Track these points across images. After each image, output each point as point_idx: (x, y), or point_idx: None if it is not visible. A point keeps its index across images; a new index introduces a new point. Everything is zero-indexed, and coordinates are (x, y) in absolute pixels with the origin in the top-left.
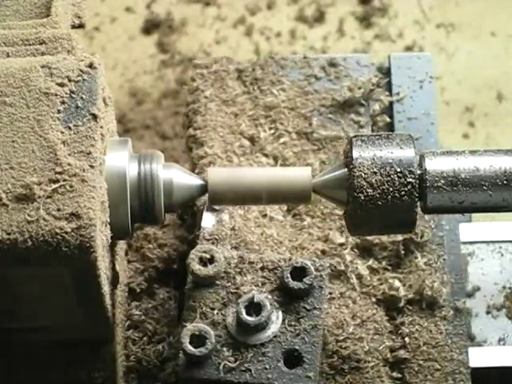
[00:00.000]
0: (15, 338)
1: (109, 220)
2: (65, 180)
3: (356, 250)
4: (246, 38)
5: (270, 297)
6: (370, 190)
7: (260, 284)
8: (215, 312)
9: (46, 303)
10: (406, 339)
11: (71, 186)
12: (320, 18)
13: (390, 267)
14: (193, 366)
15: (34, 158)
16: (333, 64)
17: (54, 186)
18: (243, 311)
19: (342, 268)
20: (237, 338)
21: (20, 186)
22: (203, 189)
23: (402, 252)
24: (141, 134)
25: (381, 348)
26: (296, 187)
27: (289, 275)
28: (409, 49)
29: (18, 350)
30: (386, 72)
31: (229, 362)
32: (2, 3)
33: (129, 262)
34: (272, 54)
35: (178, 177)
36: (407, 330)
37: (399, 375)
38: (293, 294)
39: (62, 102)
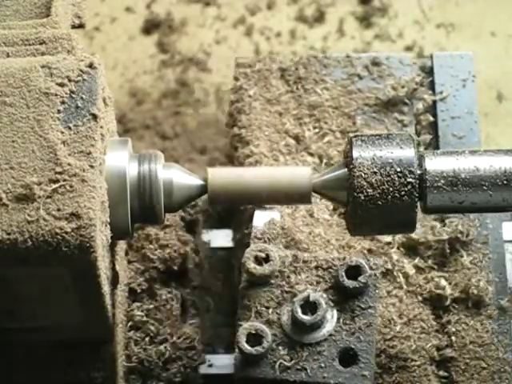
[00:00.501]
0: (15, 338)
1: (109, 220)
2: (65, 180)
3: (402, 249)
4: (246, 38)
5: (324, 295)
6: (370, 190)
7: (314, 283)
8: (270, 311)
9: (46, 303)
10: (453, 338)
11: (71, 186)
12: (320, 17)
13: (435, 266)
14: (248, 364)
15: (34, 158)
16: (376, 63)
17: (54, 185)
18: (299, 310)
19: (389, 267)
20: (292, 337)
21: (20, 186)
22: (203, 189)
23: (448, 251)
24: (141, 134)
25: (427, 347)
26: (296, 187)
27: (344, 274)
28: (409, 49)
29: (18, 349)
30: (428, 71)
31: (284, 360)
32: (2, 3)
33: (130, 262)
34: (315, 53)
35: (178, 177)
36: (453, 329)
37: (446, 374)
38: (347, 293)
39: (62, 102)
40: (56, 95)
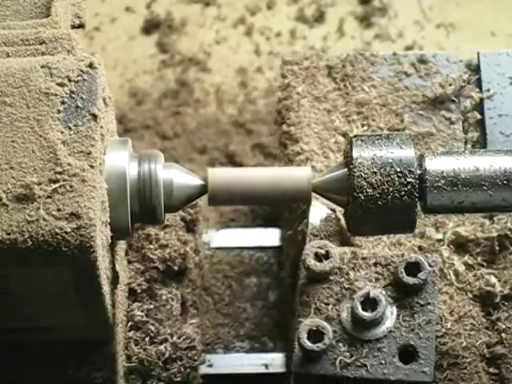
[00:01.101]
0: (15, 338)
1: (109, 220)
2: (65, 180)
3: (452, 246)
4: (246, 38)
5: (384, 292)
6: (370, 190)
7: (373, 279)
8: (329, 307)
9: (46, 303)
10: (503, 335)
11: (71, 186)
12: (320, 17)
13: (485, 263)
14: (308, 361)
15: (34, 158)
16: (422, 61)
17: (54, 185)
18: (359, 306)
19: (440, 264)
20: (352, 334)
21: (20, 186)
22: (203, 189)
23: (497, 248)
24: (141, 134)
25: (478, 344)
26: (296, 187)
27: (403, 270)
28: (409, 49)
29: (17, 349)
30: (474, 69)
31: (344, 357)
32: (2, 3)
33: (130, 262)
34: (361, 51)
35: (178, 177)
36: (503, 326)
37: (496, 371)
38: (407, 290)
39: (62, 102)
40: (56, 95)
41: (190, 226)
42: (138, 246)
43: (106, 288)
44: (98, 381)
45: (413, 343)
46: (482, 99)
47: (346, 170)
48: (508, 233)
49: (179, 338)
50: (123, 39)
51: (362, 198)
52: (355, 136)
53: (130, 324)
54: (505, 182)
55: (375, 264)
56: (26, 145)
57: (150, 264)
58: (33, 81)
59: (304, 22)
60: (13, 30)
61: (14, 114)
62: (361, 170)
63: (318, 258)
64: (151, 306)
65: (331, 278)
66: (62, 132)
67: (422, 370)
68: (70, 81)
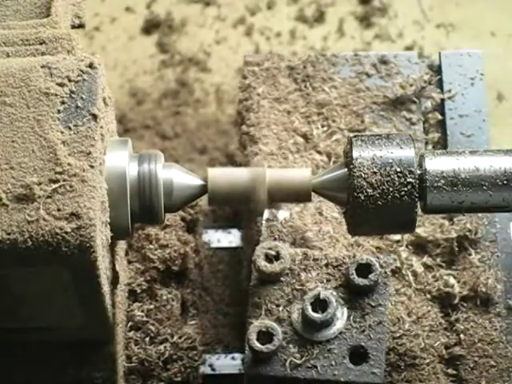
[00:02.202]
0: (15, 338)
1: (109, 220)
2: (65, 180)
3: (410, 247)
4: (246, 38)
5: (335, 293)
6: (370, 190)
7: (325, 281)
8: (280, 309)
9: (46, 303)
10: (461, 336)
11: (71, 186)
12: (320, 18)
13: (444, 264)
14: (259, 362)
15: (34, 158)
16: (384, 61)
17: (54, 185)
18: (309, 308)
19: (398, 265)
20: (302, 335)
21: (20, 186)
22: (203, 189)
23: (456, 249)
24: (141, 134)
25: (436, 345)
26: (296, 187)
27: (354, 272)
28: (409, 49)
29: (17, 349)
30: (436, 69)
31: (295, 358)
32: (2, 3)
33: (130, 262)
34: (323, 52)
35: (178, 177)
36: (462, 327)
37: (454, 372)
38: (358, 291)
39: (62, 102)
40: (56, 95)
41: (190, 226)
42: (138, 246)
43: (105, 288)
44: (98, 381)
45: (363, 344)
46: (443, 100)
47: (345, 169)
48: (467, 234)
49: (179, 338)
50: (123, 39)
51: (362, 198)
52: (355, 136)
53: (130, 324)
54: (505, 181)
55: (326, 265)
56: (26, 145)
57: (150, 264)
58: (33, 81)
59: (304, 21)
60: (13, 30)
61: (14, 114)
62: (361, 170)
63: (269, 259)
64: (151, 306)
65: (282, 279)
66: (62, 132)
67: (372, 371)
68: (69, 81)
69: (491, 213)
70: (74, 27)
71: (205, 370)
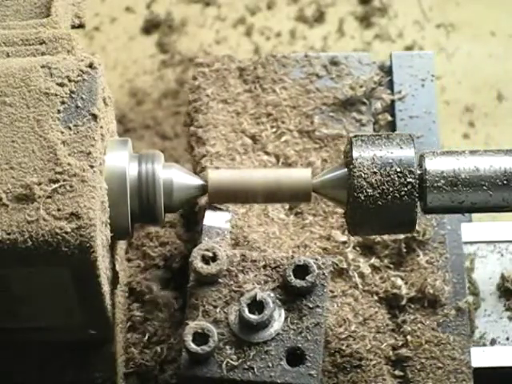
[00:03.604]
0: (15, 338)
1: (109, 220)
2: (65, 180)
3: (358, 249)
4: (245, 38)
5: (272, 295)
6: (370, 190)
7: (262, 282)
8: (217, 310)
9: (46, 303)
10: (408, 337)
11: (71, 186)
12: (320, 17)
13: (391, 265)
14: (195, 364)
15: (34, 158)
16: (334, 62)
17: (54, 185)
18: (246, 309)
19: (344, 266)
20: (239, 336)
21: (20, 186)
22: (203, 189)
23: (404, 250)
24: (141, 134)
25: (383, 346)
26: (296, 187)
27: (291, 273)
28: (409, 49)
29: (17, 349)
30: (387, 70)
31: (231, 360)
32: (2, 3)
33: (130, 260)
34: (273, 53)
35: (178, 177)
36: (409, 329)
37: (401, 373)
38: (295, 292)
39: (62, 102)
40: (56, 95)
41: (190, 225)
42: (138, 244)
43: (105, 288)
44: (98, 381)
45: (300, 346)
46: (393, 101)
47: (345, 170)
48: (415, 235)
49: (176, 339)
50: (123, 39)
51: (362, 198)
52: (355, 136)
53: (129, 324)
54: (505, 181)
55: (264, 266)
56: (26, 145)
57: (151, 262)
58: (33, 81)
59: (304, 21)
60: (13, 30)
61: (13, 114)
62: (361, 170)
63: (206, 260)
64: (150, 306)
65: (220, 280)
66: (62, 132)
67: (309, 373)
68: (69, 81)
69: (491, 213)
70: (73, 27)
71: None
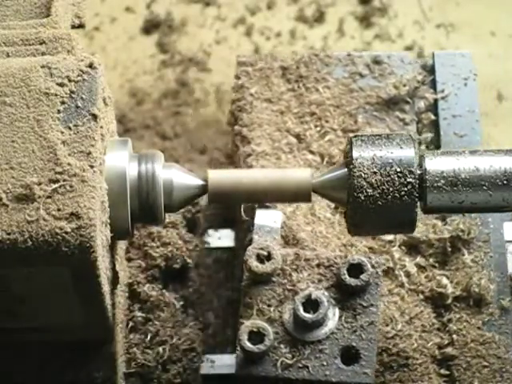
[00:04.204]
0: (15, 338)
1: (109, 220)
2: (65, 180)
3: (403, 248)
4: (245, 38)
5: (326, 294)
6: (370, 190)
7: (316, 281)
8: (272, 309)
9: (46, 303)
10: (454, 336)
11: (71, 186)
12: (320, 18)
13: (437, 264)
14: (250, 363)
15: (34, 158)
16: (377, 61)
17: (54, 185)
18: (300, 308)
19: (391, 265)
20: (294, 335)
21: (20, 186)
22: (203, 189)
23: (449, 249)
24: (141, 134)
25: (429, 345)
26: (296, 187)
27: (345, 272)
28: (409, 49)
29: (18, 350)
30: (429, 70)
31: (286, 358)
32: (2, 3)
33: (131, 259)
34: (316, 52)
35: (177, 177)
36: (455, 327)
37: (447, 372)
38: (349, 291)
39: (62, 102)
40: (56, 95)
41: (191, 225)
42: (139, 244)
43: (106, 288)
44: (98, 381)
45: (355, 345)
46: (436, 100)
47: (345, 169)
48: (460, 234)
49: (179, 339)
50: (123, 39)
51: (362, 198)
52: (355, 136)
53: (130, 325)
54: (505, 181)
55: (318, 265)
56: (26, 145)
57: (152, 261)
58: (33, 81)
59: (304, 21)
60: (13, 30)
61: (13, 114)
62: (361, 170)
63: (260, 259)
64: (151, 307)
65: (274, 279)
66: (62, 132)
67: (363, 372)
68: (69, 81)
69: (491, 213)
70: (74, 27)
71: (205, 370)
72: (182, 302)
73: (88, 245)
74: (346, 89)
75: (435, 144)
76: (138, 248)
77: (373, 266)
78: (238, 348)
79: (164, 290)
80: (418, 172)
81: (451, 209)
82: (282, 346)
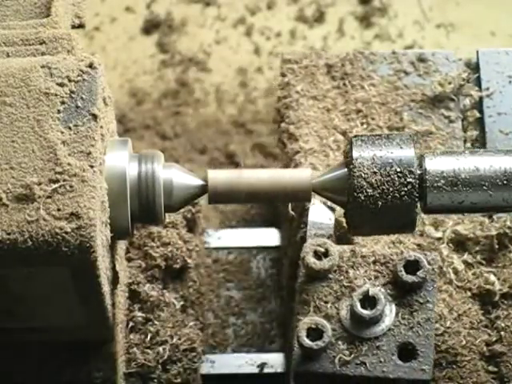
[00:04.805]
0: (15, 338)
1: (109, 220)
2: (65, 180)
3: (451, 245)
4: (245, 38)
5: (383, 290)
6: (370, 190)
7: (373, 277)
8: (329, 305)
9: (46, 303)
10: (502, 333)
11: (71, 186)
12: (320, 18)
13: (484, 261)
14: (308, 359)
15: (34, 158)
16: (422, 59)
17: (54, 185)
18: (358, 304)
19: (439, 262)
20: (351, 332)
21: (20, 186)
22: (203, 189)
23: (496, 246)
24: (141, 134)
25: (477, 342)
26: (296, 187)
27: (402, 269)
28: (409, 49)
29: (18, 349)
30: (473, 67)
31: (344, 355)
32: (2, 3)
33: (131, 259)
34: (361, 50)
35: (177, 177)
36: (503, 324)
37: (495, 369)
38: (406, 288)
39: (62, 102)
40: (56, 95)
41: (191, 225)
42: (139, 244)
43: (106, 288)
44: (97, 381)
45: (412, 341)
46: (481, 98)
47: (345, 169)
48: (507, 231)
49: (179, 339)
50: (123, 39)
51: (362, 198)
52: (355, 136)
53: (130, 325)
54: (505, 181)
55: (374, 262)
56: (26, 145)
57: (152, 262)
58: (33, 81)
59: (304, 21)
60: (13, 30)
61: (13, 114)
62: (361, 170)
63: (318, 255)
64: (151, 307)
65: (330, 276)
66: (62, 132)
67: (421, 368)
68: (70, 81)
69: (491, 213)
70: (74, 27)
71: (205, 370)
72: (182, 302)
73: (88, 245)
74: (392, 86)
75: (480, 142)
76: (138, 248)
77: (429, 263)
78: (296, 345)
79: (164, 290)
80: (418, 172)
81: (451, 209)
82: (339, 342)
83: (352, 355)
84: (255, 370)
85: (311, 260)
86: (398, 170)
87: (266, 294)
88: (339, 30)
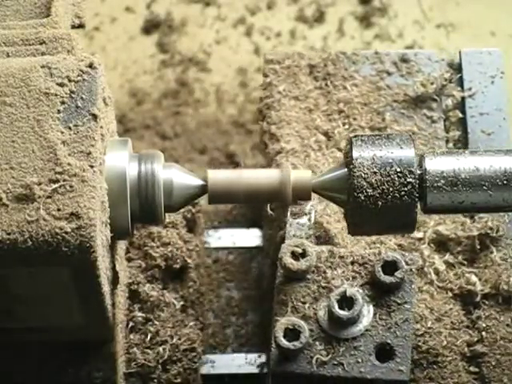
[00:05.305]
0: (15, 338)
1: (109, 220)
2: (65, 180)
3: (432, 245)
4: (245, 38)
5: (361, 291)
6: (369, 190)
7: (350, 278)
8: (306, 306)
9: (46, 303)
10: (483, 333)
11: (71, 186)
12: (320, 18)
13: (465, 262)
14: (285, 360)
15: (34, 158)
16: (404, 59)
17: (54, 185)
18: (335, 305)
19: (420, 263)
20: (328, 332)
21: (20, 186)
22: (203, 189)
23: (478, 247)
24: (141, 134)
25: (458, 342)
26: (296, 187)
27: (380, 269)
28: (409, 49)
29: (17, 349)
30: (456, 67)
31: (321, 355)
32: (2, 3)
33: (131, 259)
34: (343, 50)
35: (177, 177)
36: (484, 325)
37: (476, 369)
38: (384, 288)
39: (62, 102)
40: (56, 95)
41: (191, 225)
42: (139, 244)
43: (106, 288)
44: (98, 381)
45: (389, 342)
46: (463, 98)
47: (345, 169)
48: (489, 232)
49: (179, 339)
50: (123, 39)
51: (362, 198)
52: (355, 136)
53: (130, 325)
54: (505, 181)
55: (352, 263)
56: (26, 145)
57: (152, 262)
58: (33, 81)
59: (304, 21)
60: (13, 29)
61: (13, 114)
62: (361, 170)
63: (295, 256)
64: (151, 307)
65: (308, 276)
66: (62, 132)
67: (398, 369)
68: (70, 81)
69: (491, 213)
70: (74, 27)
71: (205, 370)
72: (182, 302)
73: (88, 245)
74: (374, 86)
75: (463, 142)
76: (138, 248)
77: (407, 263)
78: (273, 345)
79: (164, 290)
80: (418, 172)
81: (451, 209)
82: (316, 343)
83: (329, 356)
84: (255, 370)
85: (288, 260)
86: (398, 169)
87: (266, 294)
88: (339, 29)
